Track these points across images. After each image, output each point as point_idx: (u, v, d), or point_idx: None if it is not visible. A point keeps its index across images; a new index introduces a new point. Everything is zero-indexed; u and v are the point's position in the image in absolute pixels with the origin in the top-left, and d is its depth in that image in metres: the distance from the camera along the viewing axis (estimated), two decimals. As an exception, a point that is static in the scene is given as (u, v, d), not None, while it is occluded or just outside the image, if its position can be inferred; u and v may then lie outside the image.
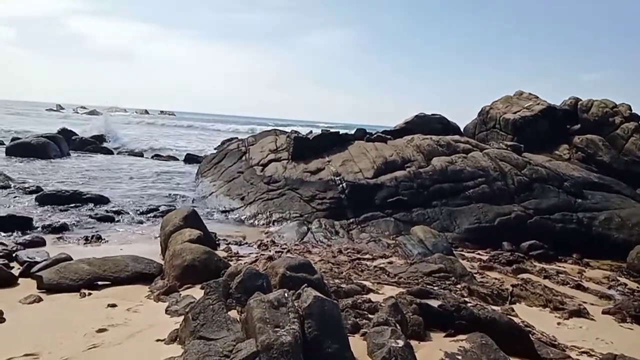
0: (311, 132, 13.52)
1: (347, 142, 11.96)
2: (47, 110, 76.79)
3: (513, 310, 5.42)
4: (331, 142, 11.99)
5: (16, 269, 5.89)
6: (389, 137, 12.18)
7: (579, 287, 6.82)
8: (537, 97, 14.12)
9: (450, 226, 9.35)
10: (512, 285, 6.37)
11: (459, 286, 5.88)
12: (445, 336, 4.05)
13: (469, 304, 4.78)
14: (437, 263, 6.49)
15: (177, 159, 21.17)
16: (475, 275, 6.70)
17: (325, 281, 4.82)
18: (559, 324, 5.33)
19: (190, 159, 20.58)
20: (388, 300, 4.20)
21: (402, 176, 10.26)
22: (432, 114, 13.86)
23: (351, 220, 9.59)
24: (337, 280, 5.45)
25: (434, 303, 4.43)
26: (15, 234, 7.64)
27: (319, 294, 3.04)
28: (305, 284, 3.34)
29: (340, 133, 12.75)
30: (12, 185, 11.08)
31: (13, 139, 19.66)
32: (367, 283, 5.57)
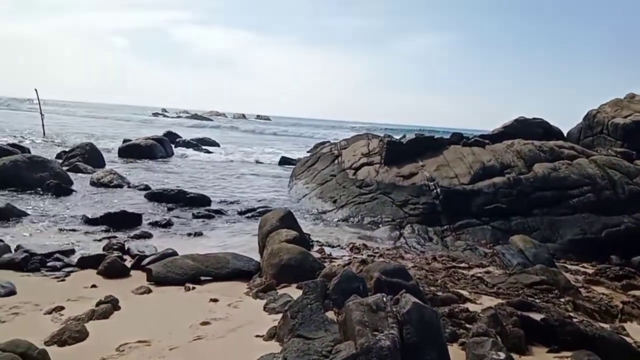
0: (404, 136, 13.38)
1: (442, 147, 11.71)
2: (153, 114, 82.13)
3: (624, 329, 5.03)
4: (425, 146, 11.79)
5: (128, 261, 6.37)
6: (486, 141, 11.77)
7: (701, 308, 6.18)
8: (653, 100, 12.99)
9: (552, 236, 8.85)
10: (622, 302, 5.91)
11: (562, 300, 5.55)
12: (548, 352, 3.86)
13: (575, 319, 4.51)
14: (538, 274, 6.18)
15: (272, 162, 21.82)
16: (580, 289, 6.29)
17: (421, 288, 4.76)
18: (678, 348, 4.87)
19: (284, 161, 21.14)
20: (487, 310, 4.08)
21: (501, 182, 9.87)
22: (533, 118, 13.21)
23: (445, 226, 9.38)
24: (432, 288, 5.36)
25: (536, 316, 4.23)
26: (127, 229, 8.27)
27: (417, 301, 3.02)
28: (404, 290, 3.32)
29: (435, 137, 12.51)
30: (124, 184, 11.99)
31: (124, 141, 21.27)
32: (463, 292, 5.42)
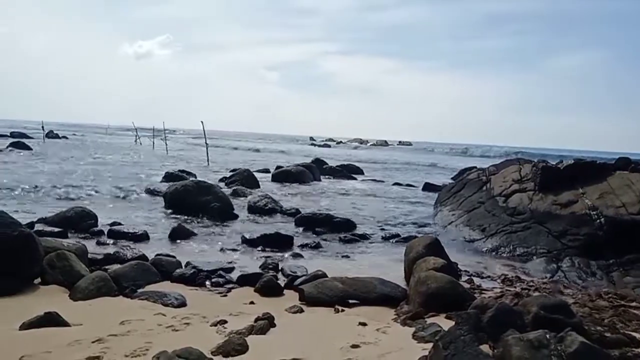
0: (561, 161, 12.47)
1: (606, 173, 10.67)
2: (302, 142, 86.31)
3: None
4: (586, 172, 10.84)
5: (281, 280, 6.76)
6: (660, 167, 10.50)
7: None
8: None
9: None
10: None
11: None
12: None
13: None
14: None
15: (416, 187, 21.64)
16: None
17: (585, 327, 4.38)
18: None
19: (428, 187, 20.85)
20: (668, 358, 3.61)
21: (680, 213, 8.70)
22: None
23: (611, 261, 8.47)
24: (598, 328, 4.89)
25: None
26: (280, 249, 8.77)
27: (585, 340, 2.79)
28: (568, 327, 3.09)
29: (597, 162, 11.48)
30: (277, 208, 12.74)
31: (277, 167, 22.70)
32: (637, 335, 4.86)
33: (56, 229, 8.78)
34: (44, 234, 7.75)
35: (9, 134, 44.22)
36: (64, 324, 4.62)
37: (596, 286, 7.52)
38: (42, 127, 44.16)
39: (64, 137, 51.13)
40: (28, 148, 29.76)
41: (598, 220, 9.17)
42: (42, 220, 9.54)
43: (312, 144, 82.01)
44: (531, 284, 7.39)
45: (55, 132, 51.79)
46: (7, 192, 13.30)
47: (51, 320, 4.58)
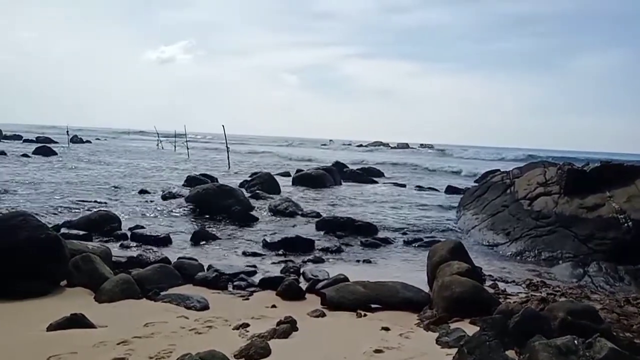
0: (588, 164, 12.26)
1: (634, 175, 10.44)
2: (322, 146, 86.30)
3: None
4: (613, 175, 10.62)
5: (303, 284, 6.74)
6: (690, 169, 10.24)
7: None
8: None
9: None
10: None
11: None
12: None
13: None
14: None
15: (438, 190, 21.46)
16: None
17: (614, 333, 4.28)
18: None
19: (451, 190, 20.67)
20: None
21: None
22: None
23: (639, 266, 8.28)
24: (627, 334, 4.78)
25: None
26: (301, 253, 8.77)
27: (615, 347, 2.72)
28: (598, 333, 3.02)
29: (625, 165, 11.24)
30: (297, 211, 12.76)
31: (297, 171, 22.74)
32: (667, 342, 4.73)
33: (81, 232, 8.91)
34: (70, 237, 7.86)
35: (34, 139, 45.20)
36: (90, 325, 4.68)
37: (624, 291, 7.35)
38: (67, 132, 45.10)
39: (88, 141, 52.04)
40: (54, 153, 30.32)
41: (626, 224, 8.98)
42: (67, 224, 9.70)
43: (333, 147, 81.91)
44: (557, 289, 7.26)
45: (79, 137, 52.75)
46: (33, 195, 13.57)
47: (77, 321, 4.64)
